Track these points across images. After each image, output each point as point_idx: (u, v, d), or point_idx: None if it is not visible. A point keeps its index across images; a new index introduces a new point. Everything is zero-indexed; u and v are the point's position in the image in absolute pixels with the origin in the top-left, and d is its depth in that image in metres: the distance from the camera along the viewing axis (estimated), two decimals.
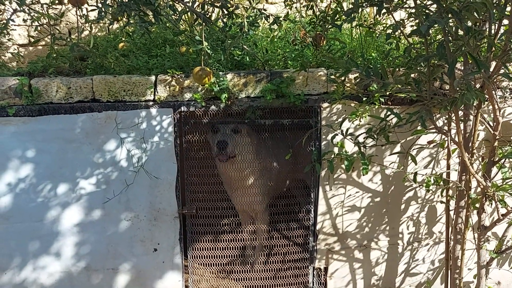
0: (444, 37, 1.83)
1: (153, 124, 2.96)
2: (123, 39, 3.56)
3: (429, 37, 2.10)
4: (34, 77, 2.98)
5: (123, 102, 2.94)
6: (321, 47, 3.43)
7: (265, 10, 2.61)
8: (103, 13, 2.55)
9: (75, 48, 3.05)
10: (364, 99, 2.92)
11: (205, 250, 3.27)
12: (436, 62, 2.12)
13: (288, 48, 3.49)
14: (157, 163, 2.99)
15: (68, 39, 3.42)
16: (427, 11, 1.80)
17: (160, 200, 3.04)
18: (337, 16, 2.78)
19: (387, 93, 2.79)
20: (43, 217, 3.01)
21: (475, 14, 1.66)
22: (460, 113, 2.42)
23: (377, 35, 3.15)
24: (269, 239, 3.29)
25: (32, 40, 4.05)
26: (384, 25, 3.04)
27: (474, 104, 2.24)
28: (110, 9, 2.63)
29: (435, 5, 1.78)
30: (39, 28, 3.42)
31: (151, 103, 2.95)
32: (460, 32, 1.88)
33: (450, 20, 1.89)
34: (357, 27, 3.25)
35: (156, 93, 2.95)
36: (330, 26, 3.01)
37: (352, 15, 2.01)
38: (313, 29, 3.52)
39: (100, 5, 2.51)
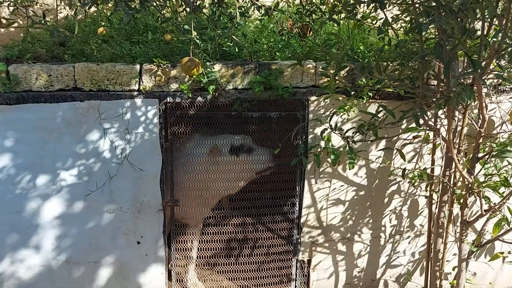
0: (441, 36, 1.84)
1: (138, 114, 2.88)
2: (102, 23, 3.42)
3: (424, 34, 2.10)
4: (12, 63, 2.84)
5: (107, 91, 2.84)
6: (307, 37, 3.41)
7: (257, 0, 2.56)
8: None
9: (55, 33, 2.93)
10: (352, 93, 2.92)
11: (189, 243, 3.24)
12: (427, 59, 2.13)
13: (274, 38, 3.44)
14: (142, 154, 2.92)
15: (43, 22, 3.25)
16: (425, 9, 1.79)
17: (144, 193, 2.97)
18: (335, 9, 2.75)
19: (375, 87, 2.80)
20: (22, 209, 2.90)
21: (476, 12, 1.66)
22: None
23: (366, 28, 3.14)
24: (254, 232, 3.28)
25: (5, 22, 3.85)
26: (373, 18, 3.02)
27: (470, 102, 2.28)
28: None
29: (433, 3, 1.78)
30: (15, 10, 3.26)
31: (135, 93, 2.87)
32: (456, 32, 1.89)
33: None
34: (346, 19, 3.22)
35: (141, 82, 2.87)
36: (318, 18, 2.98)
37: (354, 11, 1.99)
38: (300, 19, 3.49)
39: None
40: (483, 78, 2.04)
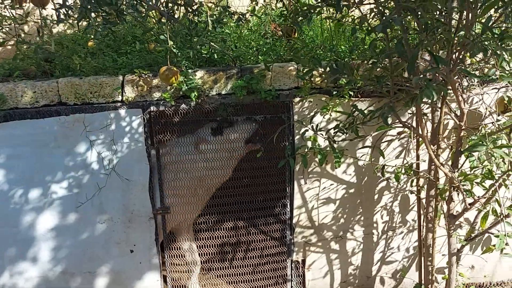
0: (402, 34, 1.83)
1: (123, 125, 2.93)
2: (92, 37, 3.48)
3: (391, 33, 2.09)
4: (2, 81, 2.91)
5: (91, 104, 2.90)
6: (292, 39, 3.41)
7: (229, 7, 2.57)
8: (62, 15, 2.50)
9: (38, 50, 3.00)
10: (334, 93, 2.92)
11: (187, 246, 3.28)
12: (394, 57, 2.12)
13: (259, 41, 3.46)
14: (129, 164, 2.97)
15: (37, 37, 3.32)
16: (385, 9, 1.79)
17: (134, 202, 3.02)
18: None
19: (357, 86, 2.79)
20: (19, 223, 2.98)
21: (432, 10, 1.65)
22: (427, 106, 2.44)
23: (346, 27, 3.13)
24: (247, 235, 3.29)
25: None
26: (352, 17, 3.01)
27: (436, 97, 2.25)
28: (70, 11, 2.57)
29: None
30: (3, 30, 3.35)
31: (119, 104, 2.91)
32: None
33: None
34: (326, 19, 3.22)
35: (124, 93, 2.91)
36: (300, 19, 2.99)
37: (309, 15, 1.99)
38: (284, 21, 3.49)
39: (58, 6, 2.45)
40: (453, 72, 2.03)
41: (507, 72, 1.91)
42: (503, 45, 1.69)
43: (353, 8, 2.79)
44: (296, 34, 3.45)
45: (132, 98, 2.91)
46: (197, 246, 3.33)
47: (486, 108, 2.80)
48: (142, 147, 2.96)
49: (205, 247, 3.30)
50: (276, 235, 3.30)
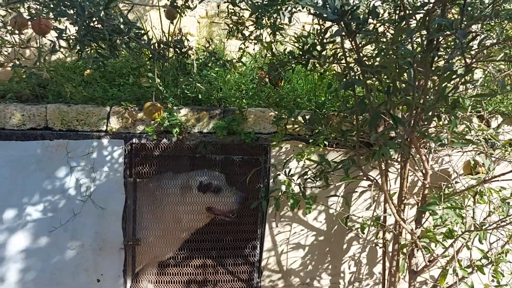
0: (366, 93, 1.97)
1: (104, 154, 3.02)
2: (89, 67, 3.64)
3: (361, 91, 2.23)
4: None
5: (75, 131, 3.00)
6: (279, 87, 3.57)
7: (215, 53, 2.73)
8: (57, 46, 2.65)
9: (33, 75, 3.13)
10: (310, 140, 3.04)
11: (151, 283, 3.29)
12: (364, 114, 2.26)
13: (248, 86, 3.62)
14: (106, 193, 3.04)
15: (35, 63, 3.47)
16: (351, 70, 1.93)
17: (106, 231, 3.06)
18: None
19: (330, 137, 2.91)
20: None
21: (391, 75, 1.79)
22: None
23: (328, 80, 3.30)
24: (214, 274, 3.32)
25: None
26: (333, 71, 3.19)
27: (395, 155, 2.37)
28: (65, 43, 2.71)
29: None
30: (4, 53, 3.50)
31: (103, 133, 3.02)
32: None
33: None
34: (310, 72, 3.39)
35: (108, 124, 3.02)
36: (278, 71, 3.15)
37: (279, 71, 2.15)
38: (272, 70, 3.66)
39: (54, 39, 2.60)
40: (415, 133, 2.16)
41: (459, 138, 2.04)
42: (454, 112, 1.82)
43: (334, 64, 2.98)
44: (282, 82, 3.61)
45: (116, 129, 3.02)
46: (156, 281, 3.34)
47: (453, 169, 2.92)
48: (120, 177, 3.04)
49: (171, 283, 3.31)
50: (244, 277, 3.32)
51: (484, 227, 2.20)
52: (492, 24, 2.55)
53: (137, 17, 4.11)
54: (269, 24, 2.75)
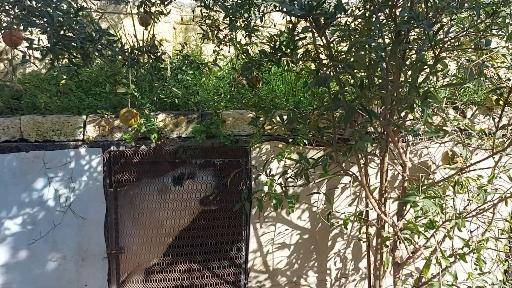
0: (339, 89, 1.98)
1: (82, 163, 2.98)
2: (64, 76, 3.59)
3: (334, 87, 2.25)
4: None
5: (52, 142, 2.96)
6: (257, 88, 3.58)
7: (189, 56, 2.72)
8: (30, 57, 2.61)
9: (5, 88, 3.08)
10: (290, 140, 3.05)
11: None
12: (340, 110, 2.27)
13: (226, 89, 3.61)
14: (86, 202, 2.99)
15: (6, 75, 3.43)
16: (319, 66, 1.95)
17: (88, 240, 3.02)
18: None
19: (310, 135, 2.92)
20: None
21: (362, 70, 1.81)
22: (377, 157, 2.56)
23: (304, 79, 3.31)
24: (200, 278, 3.29)
25: None
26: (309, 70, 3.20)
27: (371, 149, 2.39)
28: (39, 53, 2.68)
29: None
30: None
31: (80, 142, 2.98)
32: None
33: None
34: (285, 71, 3.41)
35: (85, 133, 2.98)
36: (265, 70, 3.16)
37: (249, 70, 2.15)
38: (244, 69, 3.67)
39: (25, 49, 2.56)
40: (391, 127, 2.18)
41: (433, 128, 2.07)
42: (427, 103, 1.84)
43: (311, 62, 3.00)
44: (260, 84, 3.62)
45: (93, 137, 2.98)
46: None
47: (431, 161, 2.96)
48: (100, 186, 3.00)
49: None
50: (231, 279, 3.31)
51: (462, 215, 2.23)
52: (463, 16, 2.60)
53: (110, 26, 4.07)
54: (243, 26, 2.76)
